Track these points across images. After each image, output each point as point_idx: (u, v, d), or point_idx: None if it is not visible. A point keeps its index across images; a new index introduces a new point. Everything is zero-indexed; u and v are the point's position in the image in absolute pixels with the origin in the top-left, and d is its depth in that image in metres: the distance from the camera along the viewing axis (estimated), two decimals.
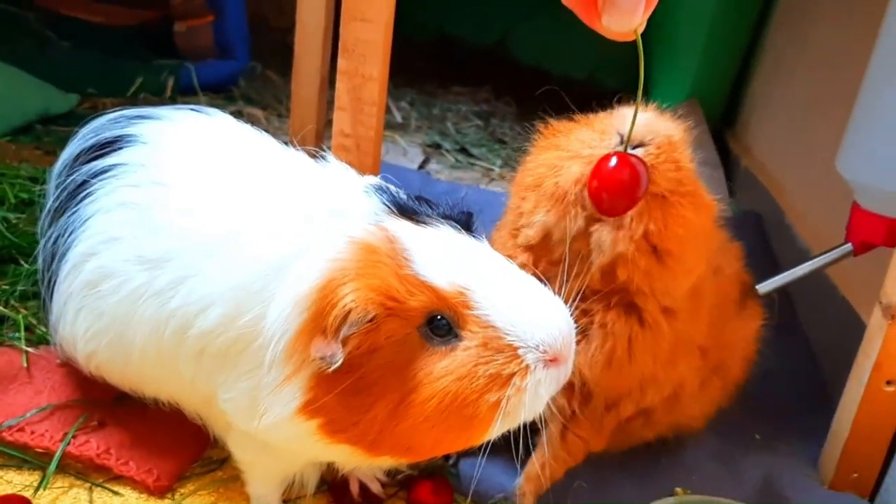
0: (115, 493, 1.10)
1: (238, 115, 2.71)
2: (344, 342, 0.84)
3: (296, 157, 1.06)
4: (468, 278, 0.88)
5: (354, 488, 1.16)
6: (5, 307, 1.34)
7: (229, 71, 2.73)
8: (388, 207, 0.94)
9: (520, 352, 0.87)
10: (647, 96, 3.09)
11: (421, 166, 2.53)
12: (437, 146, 2.70)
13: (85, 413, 1.17)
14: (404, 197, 0.97)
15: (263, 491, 1.10)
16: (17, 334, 1.28)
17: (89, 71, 2.45)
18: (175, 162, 1.05)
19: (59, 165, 1.17)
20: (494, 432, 0.90)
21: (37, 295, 1.34)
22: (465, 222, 0.98)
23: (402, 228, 0.91)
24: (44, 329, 1.30)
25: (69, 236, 1.06)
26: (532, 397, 0.88)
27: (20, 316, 1.31)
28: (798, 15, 2.47)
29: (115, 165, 1.07)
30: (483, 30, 3.57)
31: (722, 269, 1.31)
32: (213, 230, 0.96)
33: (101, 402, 1.19)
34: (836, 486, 1.33)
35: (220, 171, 1.03)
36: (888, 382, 1.26)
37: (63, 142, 2.04)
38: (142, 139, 1.09)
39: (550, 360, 0.88)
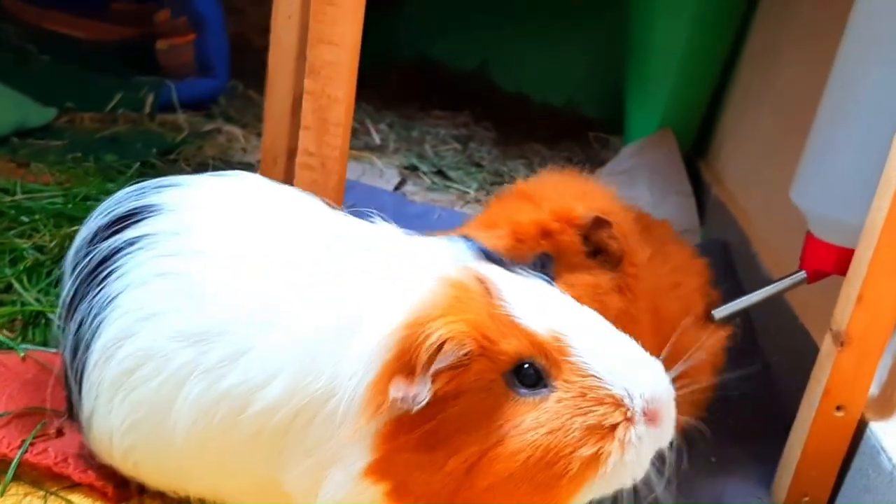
0: (69, 501, 1.11)
1: (217, 133, 2.75)
2: (433, 380, 0.79)
3: (338, 218, 1.01)
4: (565, 325, 0.83)
5: None
6: None
7: (209, 89, 2.76)
8: (475, 253, 0.91)
9: (624, 401, 0.81)
10: (623, 126, 3.11)
11: (397, 188, 2.55)
12: (415, 168, 2.73)
13: (44, 420, 1.18)
14: (488, 250, 0.94)
15: None
16: None
17: (68, 85, 2.48)
18: (212, 228, 0.98)
19: (73, 249, 1.07)
20: (585, 497, 0.84)
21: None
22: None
23: (493, 271, 0.87)
24: (3, 336, 1.31)
25: (94, 319, 0.97)
26: (635, 454, 0.82)
27: None
28: (765, 52, 2.53)
29: (142, 237, 0.98)
30: (464, 55, 3.63)
31: (680, 285, 1.34)
32: (268, 298, 0.90)
33: (60, 411, 1.19)
34: None
35: (263, 234, 0.97)
36: (838, 408, 1.29)
37: (39, 155, 2.09)
38: (168, 207, 1.01)
39: (650, 419, 0.82)
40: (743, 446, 1.51)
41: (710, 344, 1.38)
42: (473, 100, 3.43)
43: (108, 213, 1.05)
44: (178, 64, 2.78)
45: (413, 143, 2.95)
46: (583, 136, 3.22)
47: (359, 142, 2.81)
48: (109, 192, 1.30)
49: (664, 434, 0.85)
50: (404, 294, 0.83)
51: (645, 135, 2.84)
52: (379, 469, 0.82)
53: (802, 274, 1.41)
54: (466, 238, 0.94)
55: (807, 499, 1.34)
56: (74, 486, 1.13)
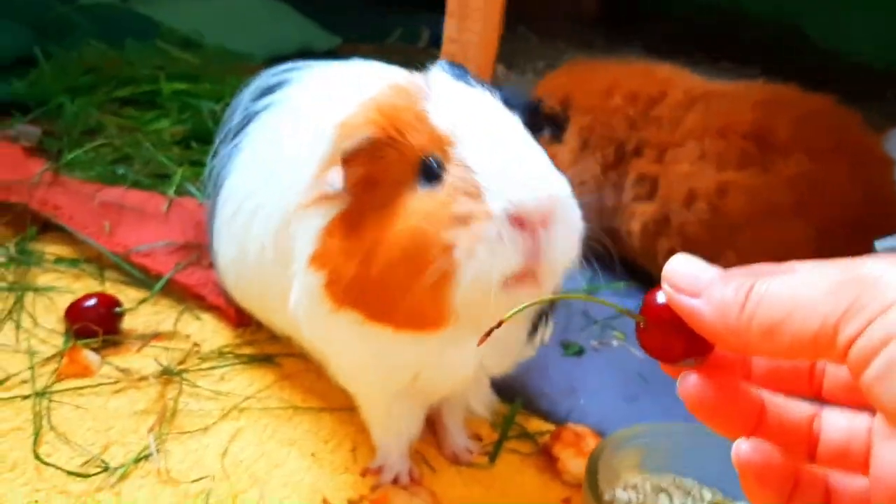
0: (197, 317, 1.30)
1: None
2: (346, 163, 0.82)
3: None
4: (471, 126, 0.82)
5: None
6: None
7: None
8: (451, 72, 0.90)
9: (485, 194, 0.78)
10: None
11: None
12: None
13: (198, 253, 1.38)
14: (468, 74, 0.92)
15: (384, 439, 1.06)
16: (169, 182, 1.56)
17: (353, 17, 2.75)
18: (308, 96, 1.10)
19: (238, 100, 1.22)
20: (454, 291, 0.79)
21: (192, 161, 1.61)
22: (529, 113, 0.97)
23: (441, 80, 0.87)
24: (188, 185, 1.56)
25: (225, 168, 1.14)
26: (486, 251, 0.76)
27: (179, 170, 1.59)
28: None
29: (269, 105, 1.13)
30: (777, 8, 3.38)
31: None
32: (297, 135, 1.01)
33: None
34: None
35: (334, 98, 1.00)
36: None
37: None
38: (293, 81, 1.14)
39: (516, 220, 0.76)
40: None
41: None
42: (772, 54, 3.17)
43: (257, 83, 1.20)
44: None
45: None
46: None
47: None
48: None
49: (540, 245, 0.77)
50: (355, 101, 0.87)
51: None
52: (319, 258, 0.86)
53: None
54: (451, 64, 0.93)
55: None
56: (209, 308, 1.32)
